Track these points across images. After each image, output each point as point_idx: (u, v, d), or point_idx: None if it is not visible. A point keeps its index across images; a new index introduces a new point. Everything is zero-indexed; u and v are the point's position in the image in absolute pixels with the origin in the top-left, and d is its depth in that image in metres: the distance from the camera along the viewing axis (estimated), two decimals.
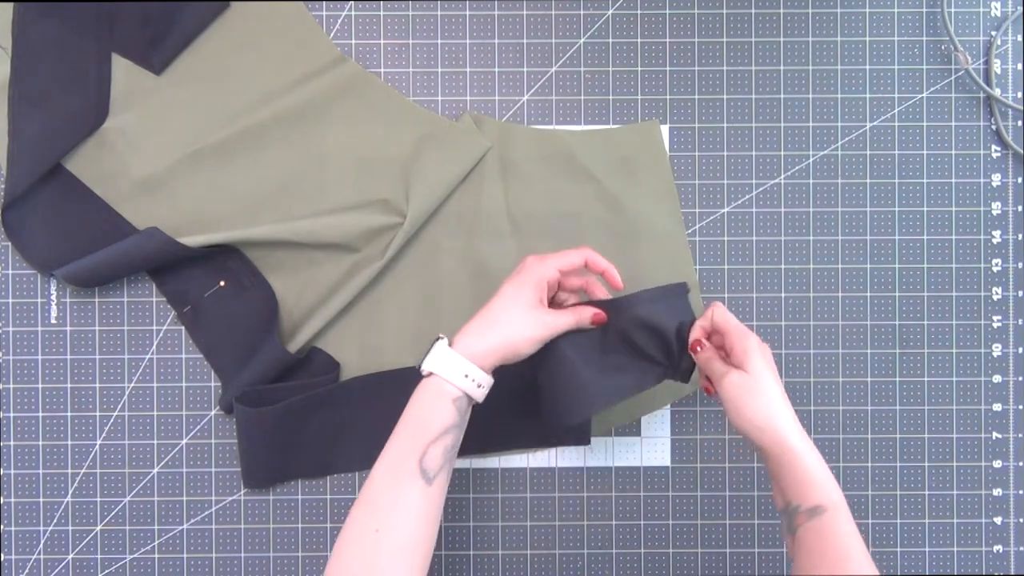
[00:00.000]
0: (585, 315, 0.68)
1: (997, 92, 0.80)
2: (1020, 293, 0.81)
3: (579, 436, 0.80)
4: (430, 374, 0.65)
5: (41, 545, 0.79)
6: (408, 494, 0.61)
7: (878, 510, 0.80)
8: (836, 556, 0.59)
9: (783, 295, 0.80)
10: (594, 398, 0.68)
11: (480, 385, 0.65)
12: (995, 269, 0.81)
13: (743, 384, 0.64)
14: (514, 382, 0.79)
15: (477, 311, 0.67)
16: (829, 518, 0.60)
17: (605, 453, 0.80)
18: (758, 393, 0.63)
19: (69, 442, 0.79)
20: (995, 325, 0.81)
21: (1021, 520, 0.81)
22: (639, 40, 0.80)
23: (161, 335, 0.79)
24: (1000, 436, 0.81)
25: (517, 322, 0.65)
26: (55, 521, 0.79)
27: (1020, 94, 0.80)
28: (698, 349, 0.67)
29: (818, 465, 0.62)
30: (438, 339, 0.66)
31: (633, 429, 0.80)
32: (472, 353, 0.64)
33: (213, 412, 0.80)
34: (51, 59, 0.77)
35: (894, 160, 0.81)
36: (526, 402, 0.79)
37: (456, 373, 0.64)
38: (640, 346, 0.69)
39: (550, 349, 0.68)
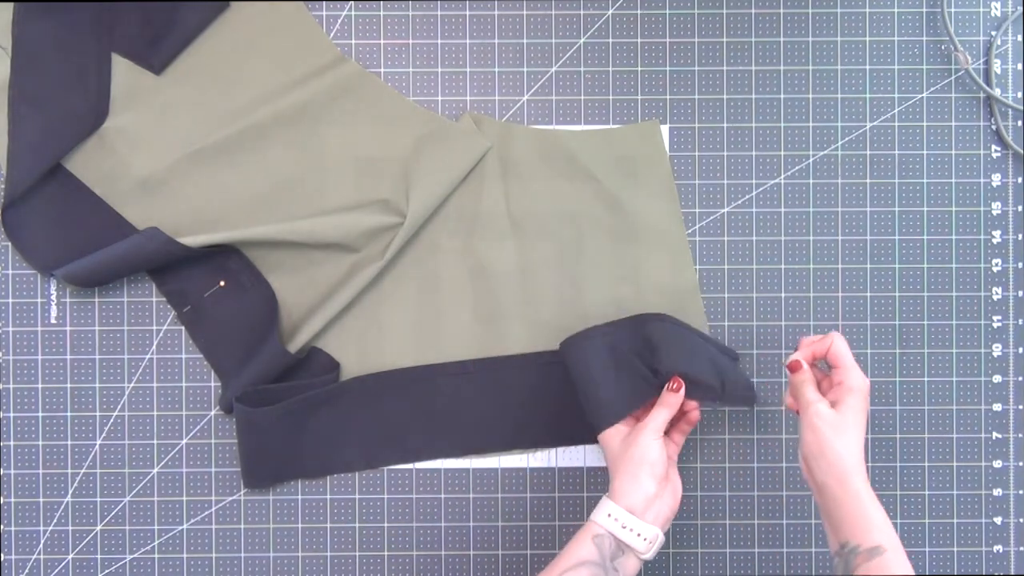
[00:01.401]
0: (668, 398, 0.71)
1: (997, 92, 0.80)
2: (1020, 293, 0.81)
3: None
4: (590, 520, 0.68)
5: (41, 545, 0.79)
6: None
7: None
8: None
9: (783, 295, 0.80)
10: (611, 413, 0.72)
11: (639, 535, 0.67)
12: (995, 269, 0.81)
13: (830, 419, 0.65)
14: (516, 382, 0.79)
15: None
16: (889, 559, 0.61)
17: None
18: (841, 432, 0.65)
19: (69, 442, 0.79)
20: (995, 325, 0.81)
21: (1021, 520, 0.81)
22: (639, 40, 0.80)
23: (161, 335, 0.79)
24: (1000, 436, 0.81)
25: (644, 448, 0.69)
26: (55, 521, 0.79)
27: (1020, 94, 0.80)
28: (796, 369, 0.69)
29: (878, 508, 0.63)
30: (605, 496, 0.69)
31: None
32: (632, 506, 0.67)
33: (213, 412, 0.80)
34: (51, 59, 0.77)
35: (894, 160, 0.81)
36: (527, 403, 0.79)
37: (603, 516, 0.67)
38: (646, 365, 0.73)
39: (574, 364, 0.74)
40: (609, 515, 0.67)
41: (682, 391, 0.71)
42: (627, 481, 0.68)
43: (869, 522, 0.62)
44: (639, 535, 0.67)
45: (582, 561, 0.66)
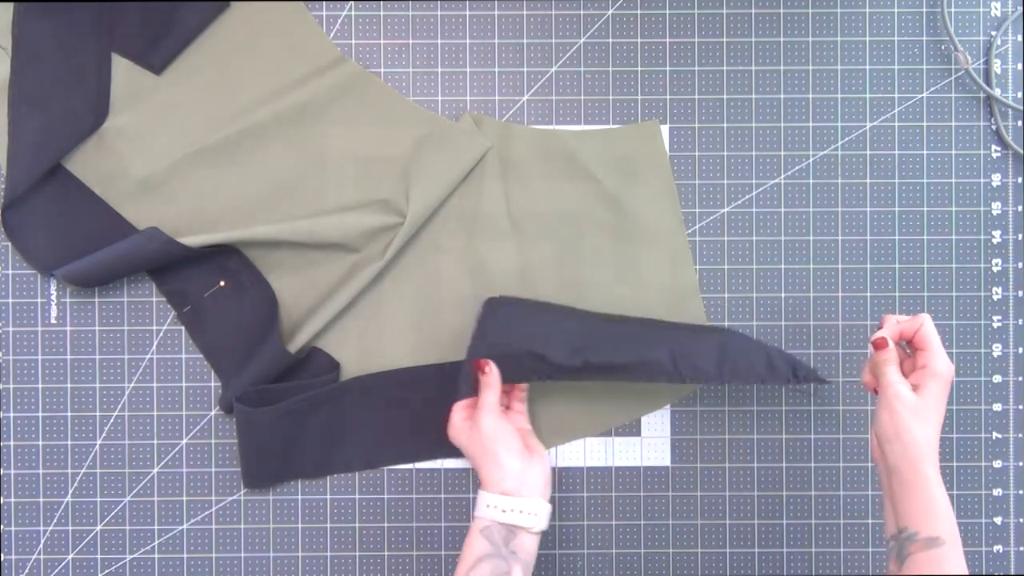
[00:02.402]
0: (485, 380, 0.72)
1: (997, 92, 0.80)
2: (1020, 293, 0.81)
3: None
4: (473, 517, 0.69)
5: (41, 545, 0.79)
6: None
7: (878, 509, 0.80)
8: None
9: (783, 295, 0.80)
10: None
11: (522, 511, 0.67)
12: (995, 269, 0.81)
13: (910, 403, 0.64)
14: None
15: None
16: (945, 552, 0.60)
17: (605, 453, 0.80)
18: (921, 418, 0.64)
19: (69, 442, 0.79)
20: (995, 325, 0.81)
21: (1021, 520, 0.81)
22: (639, 40, 0.80)
23: (161, 335, 0.79)
24: (1000, 436, 0.81)
25: (485, 430, 0.70)
26: (55, 521, 0.79)
27: (1020, 94, 0.80)
28: (882, 347, 0.67)
29: (944, 498, 0.62)
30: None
31: (633, 429, 0.80)
32: (505, 489, 0.68)
33: (213, 412, 0.80)
34: (51, 59, 0.77)
35: (894, 160, 0.81)
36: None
37: (483, 508, 0.68)
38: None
39: None
40: (488, 505, 0.68)
41: (491, 371, 0.72)
42: (490, 467, 0.69)
43: (934, 511, 0.61)
44: (523, 512, 0.67)
45: (478, 557, 0.66)
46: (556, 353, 0.73)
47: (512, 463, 0.69)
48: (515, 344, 0.74)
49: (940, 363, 0.65)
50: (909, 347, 0.69)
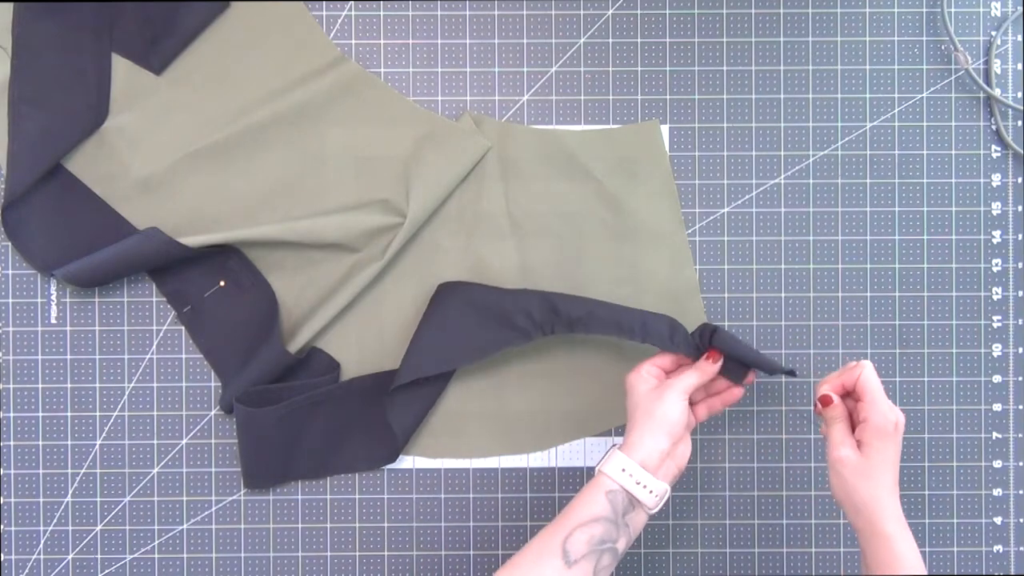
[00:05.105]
0: (704, 366, 0.70)
1: (997, 92, 0.80)
2: (1020, 293, 0.81)
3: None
4: (600, 473, 0.67)
5: (41, 545, 0.79)
6: (546, 568, 0.63)
7: None
8: None
9: (783, 295, 0.80)
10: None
11: (651, 491, 0.66)
12: (995, 269, 0.81)
13: (855, 466, 0.64)
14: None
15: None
16: None
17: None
18: (868, 478, 0.63)
19: (69, 442, 0.79)
20: (995, 325, 0.81)
21: (1021, 520, 0.81)
22: (639, 40, 0.80)
23: (161, 335, 0.79)
24: (1000, 436, 0.81)
25: (668, 405, 0.68)
26: (55, 521, 0.79)
27: (1020, 94, 0.80)
28: (827, 404, 0.67)
29: (909, 551, 0.62)
30: (612, 446, 0.68)
31: None
32: (644, 460, 0.66)
33: (213, 412, 0.80)
34: (51, 59, 0.77)
35: (894, 160, 0.81)
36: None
37: (617, 471, 0.66)
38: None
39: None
40: (623, 470, 0.66)
41: (717, 365, 0.70)
42: (644, 435, 0.67)
43: (903, 566, 0.61)
44: (652, 492, 0.66)
45: (595, 517, 0.65)
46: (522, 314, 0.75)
47: (663, 443, 0.67)
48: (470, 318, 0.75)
49: (878, 415, 0.64)
50: (853, 396, 0.68)
